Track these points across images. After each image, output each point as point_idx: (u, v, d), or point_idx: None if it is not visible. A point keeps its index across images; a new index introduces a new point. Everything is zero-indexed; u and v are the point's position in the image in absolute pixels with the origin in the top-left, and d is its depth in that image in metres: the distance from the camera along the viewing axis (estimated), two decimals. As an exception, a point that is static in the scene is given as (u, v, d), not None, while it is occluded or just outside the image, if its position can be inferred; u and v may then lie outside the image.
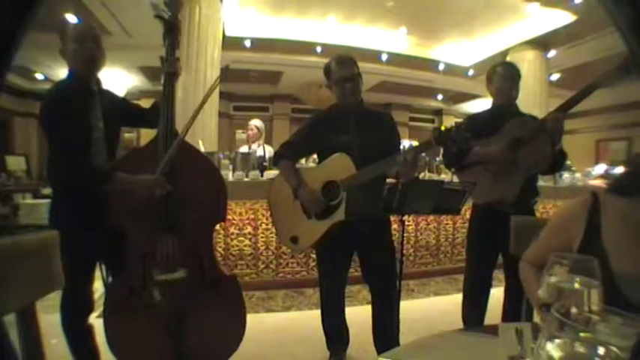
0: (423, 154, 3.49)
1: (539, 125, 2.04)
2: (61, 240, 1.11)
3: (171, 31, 1.85)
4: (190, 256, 1.82)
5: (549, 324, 0.49)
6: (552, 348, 0.48)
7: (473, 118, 2.39)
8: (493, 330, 0.94)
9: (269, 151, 4.71)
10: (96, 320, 1.90)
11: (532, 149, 2.04)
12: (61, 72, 1.84)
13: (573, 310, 0.55)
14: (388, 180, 2.10)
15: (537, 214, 2.45)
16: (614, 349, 0.50)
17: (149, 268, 1.76)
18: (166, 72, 1.84)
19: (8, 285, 0.92)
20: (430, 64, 8.40)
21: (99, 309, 1.85)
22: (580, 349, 0.48)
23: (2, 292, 0.90)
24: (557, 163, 2.16)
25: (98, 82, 1.89)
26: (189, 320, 1.80)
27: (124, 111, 2.01)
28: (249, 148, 4.65)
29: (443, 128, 1.73)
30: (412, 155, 1.79)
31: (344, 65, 2.06)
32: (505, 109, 2.28)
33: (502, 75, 2.27)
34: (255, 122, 4.90)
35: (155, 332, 1.77)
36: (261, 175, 3.73)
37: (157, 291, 1.75)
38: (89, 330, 1.87)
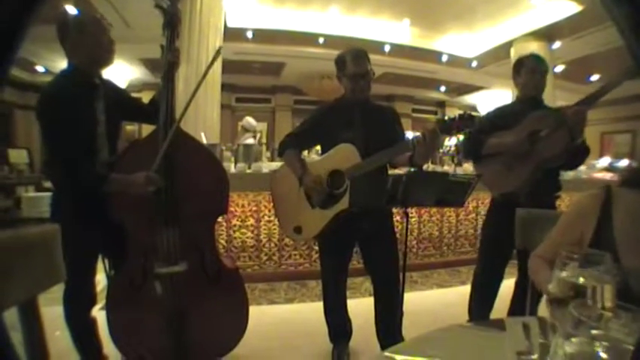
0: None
1: (559, 119, 2.01)
2: (63, 234, 1.10)
3: (171, 21, 1.83)
4: (192, 249, 1.81)
5: (566, 322, 0.48)
6: (570, 347, 0.46)
7: (497, 111, 2.37)
8: (499, 324, 0.93)
9: None
10: (99, 312, 1.90)
11: (550, 143, 2.02)
12: (63, 64, 1.82)
13: (586, 306, 0.54)
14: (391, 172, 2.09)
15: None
16: (627, 346, 0.49)
17: (151, 261, 1.75)
18: (167, 61, 1.81)
19: (10, 278, 0.91)
20: (433, 56, 8.34)
21: (102, 301, 1.86)
22: (594, 347, 0.47)
23: (4, 285, 0.89)
24: (578, 157, 2.14)
25: (100, 75, 1.88)
26: (192, 313, 1.80)
27: (124, 104, 2.00)
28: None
29: (447, 118, 1.73)
30: (430, 135, 1.74)
31: (359, 61, 2.04)
32: (531, 102, 2.26)
33: (531, 68, 2.25)
34: (243, 122, 4.99)
35: (157, 325, 1.77)
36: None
37: (158, 284, 1.75)
38: (92, 323, 1.87)
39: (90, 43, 1.77)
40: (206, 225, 1.92)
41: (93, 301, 1.88)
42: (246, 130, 4.98)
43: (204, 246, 1.87)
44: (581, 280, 0.55)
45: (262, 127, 11.64)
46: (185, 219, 1.78)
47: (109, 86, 1.93)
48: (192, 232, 1.82)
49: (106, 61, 1.86)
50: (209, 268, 1.86)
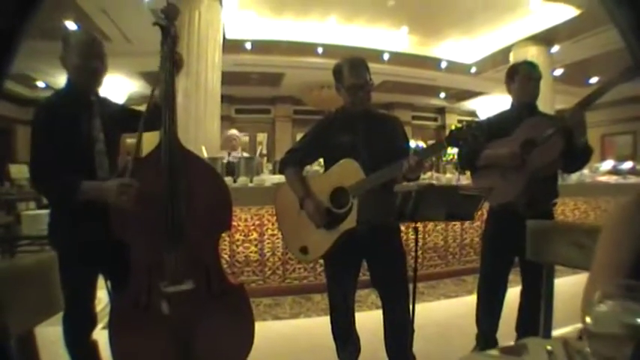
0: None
1: (556, 124, 1.99)
2: (61, 255, 1.07)
3: (169, 38, 1.80)
4: (197, 267, 1.77)
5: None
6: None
7: (492, 118, 2.36)
8: (519, 350, 0.88)
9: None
10: (100, 332, 1.85)
11: (543, 151, 2.00)
12: (63, 79, 1.82)
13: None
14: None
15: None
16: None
17: (155, 281, 1.71)
18: (166, 65, 1.77)
19: (7, 311, 0.87)
20: (432, 63, 8.38)
21: (103, 319, 1.81)
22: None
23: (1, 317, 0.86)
24: (581, 158, 2.13)
25: (96, 92, 1.86)
26: (198, 331, 1.76)
27: (122, 117, 1.97)
28: (229, 156, 4.68)
29: (454, 128, 1.70)
30: (416, 160, 1.77)
31: (357, 71, 1.97)
32: (525, 108, 2.24)
33: (525, 75, 2.24)
34: (229, 135, 4.98)
35: (163, 345, 1.72)
36: (234, 182, 3.69)
37: (164, 303, 1.70)
38: (93, 346, 1.81)
39: (80, 66, 1.76)
40: (211, 242, 1.88)
41: (93, 324, 1.82)
42: (234, 142, 4.96)
43: (210, 263, 1.83)
44: (628, 319, 0.50)
45: (262, 138, 11.67)
46: (190, 236, 1.74)
47: (106, 103, 1.92)
48: (197, 249, 1.78)
49: (91, 87, 1.83)
50: (215, 285, 1.82)
